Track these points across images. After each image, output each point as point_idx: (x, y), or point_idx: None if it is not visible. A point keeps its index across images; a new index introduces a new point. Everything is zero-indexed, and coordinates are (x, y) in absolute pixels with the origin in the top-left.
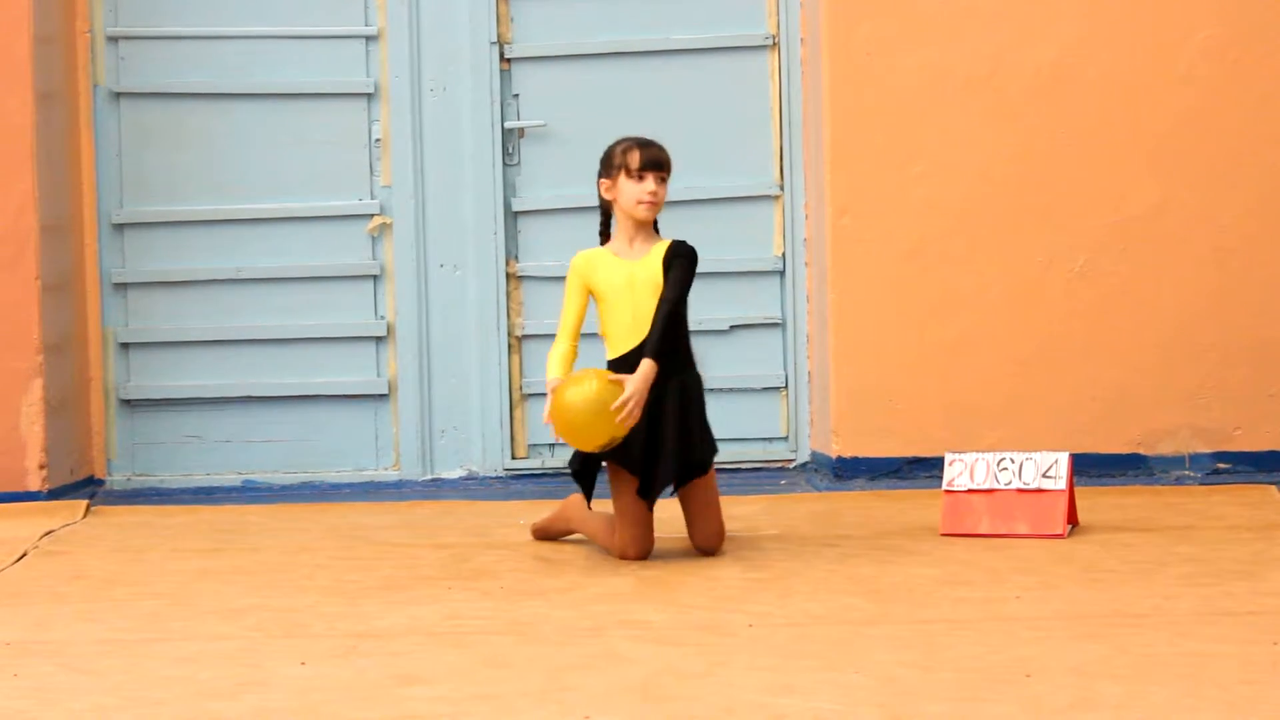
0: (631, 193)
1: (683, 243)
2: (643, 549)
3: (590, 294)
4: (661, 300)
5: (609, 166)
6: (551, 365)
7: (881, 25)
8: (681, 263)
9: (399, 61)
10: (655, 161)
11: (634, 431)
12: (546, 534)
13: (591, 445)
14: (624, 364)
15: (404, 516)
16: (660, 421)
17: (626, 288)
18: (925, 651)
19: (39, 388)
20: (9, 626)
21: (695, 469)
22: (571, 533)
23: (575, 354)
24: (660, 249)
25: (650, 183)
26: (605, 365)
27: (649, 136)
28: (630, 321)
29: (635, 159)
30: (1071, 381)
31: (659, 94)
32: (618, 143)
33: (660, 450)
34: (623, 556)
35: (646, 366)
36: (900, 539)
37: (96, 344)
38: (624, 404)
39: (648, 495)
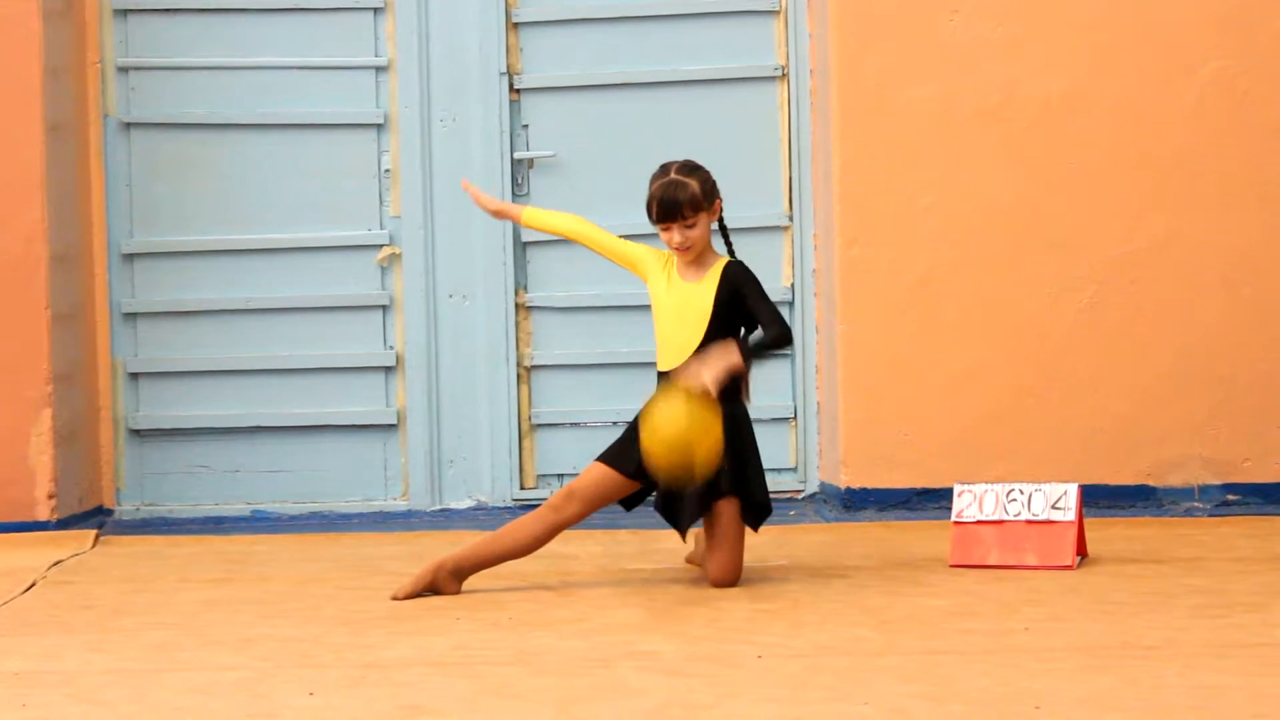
0: (662, 238)
1: (739, 266)
2: (577, 514)
3: (635, 270)
4: (768, 324)
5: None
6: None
7: (891, 57)
8: (756, 292)
9: (409, 92)
10: (669, 213)
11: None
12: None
13: (686, 462)
14: (670, 379)
15: (412, 547)
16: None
17: (677, 310)
18: (934, 683)
19: (48, 417)
20: (17, 656)
21: (761, 509)
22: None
23: (570, 223)
24: (716, 272)
25: (675, 234)
26: (655, 375)
27: (679, 167)
28: (678, 343)
29: (653, 211)
30: (1080, 412)
31: (668, 125)
32: (653, 177)
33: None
34: (558, 509)
35: (734, 352)
36: (909, 570)
37: (106, 374)
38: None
39: (680, 519)
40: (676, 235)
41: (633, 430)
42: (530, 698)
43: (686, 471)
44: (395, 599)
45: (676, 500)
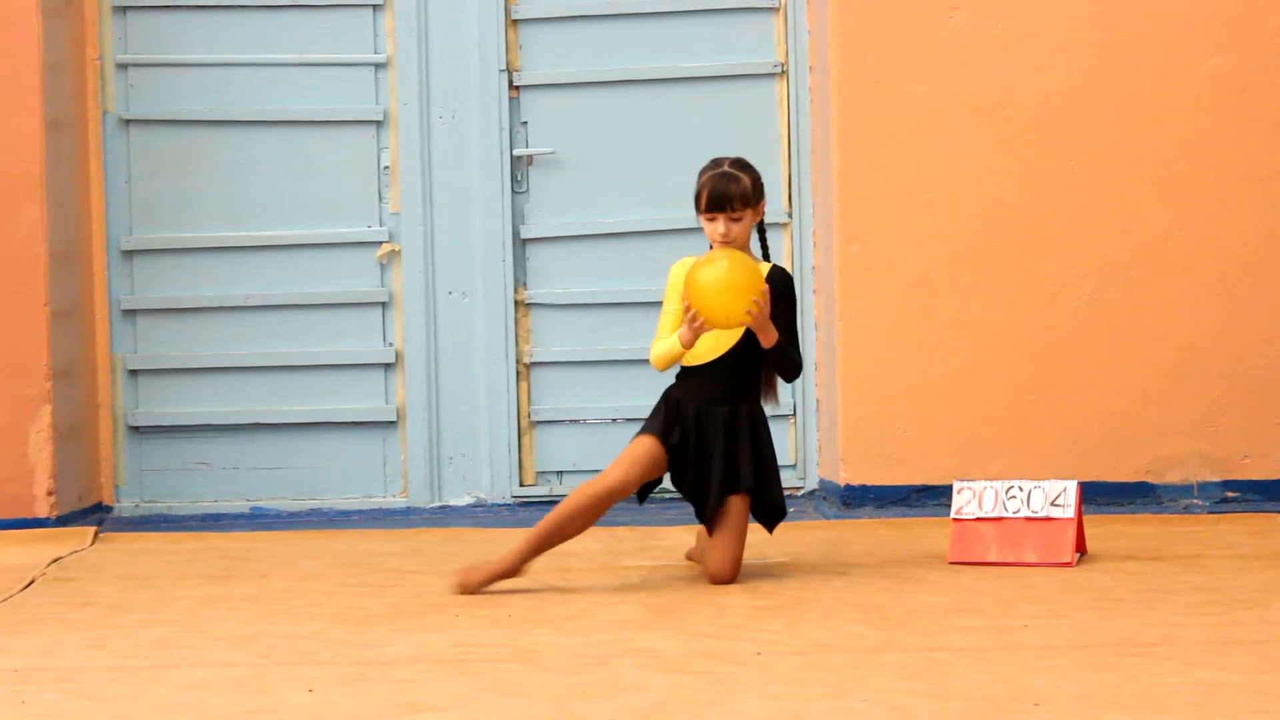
0: (706, 229)
1: (783, 274)
2: (629, 479)
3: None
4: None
5: (695, 191)
6: (658, 343)
7: (890, 53)
8: (786, 307)
9: (408, 89)
10: (720, 203)
11: (704, 454)
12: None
13: (730, 321)
14: (696, 374)
15: (412, 543)
16: (736, 441)
17: None
18: (933, 680)
19: (47, 414)
20: (17, 653)
21: (776, 510)
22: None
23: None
24: (762, 274)
25: (720, 224)
26: (679, 370)
27: (732, 162)
28: (712, 338)
29: (703, 200)
30: (1080, 409)
31: (668, 122)
32: (703, 169)
33: (735, 471)
34: (607, 483)
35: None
36: (908, 567)
37: (105, 371)
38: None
39: (708, 512)
40: (721, 226)
41: (660, 405)
42: (530, 695)
43: (734, 309)
44: (464, 592)
45: (706, 483)
